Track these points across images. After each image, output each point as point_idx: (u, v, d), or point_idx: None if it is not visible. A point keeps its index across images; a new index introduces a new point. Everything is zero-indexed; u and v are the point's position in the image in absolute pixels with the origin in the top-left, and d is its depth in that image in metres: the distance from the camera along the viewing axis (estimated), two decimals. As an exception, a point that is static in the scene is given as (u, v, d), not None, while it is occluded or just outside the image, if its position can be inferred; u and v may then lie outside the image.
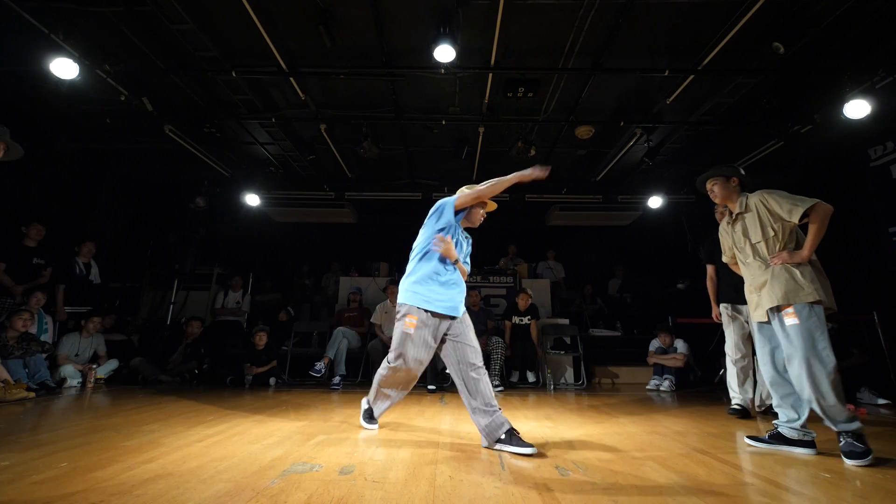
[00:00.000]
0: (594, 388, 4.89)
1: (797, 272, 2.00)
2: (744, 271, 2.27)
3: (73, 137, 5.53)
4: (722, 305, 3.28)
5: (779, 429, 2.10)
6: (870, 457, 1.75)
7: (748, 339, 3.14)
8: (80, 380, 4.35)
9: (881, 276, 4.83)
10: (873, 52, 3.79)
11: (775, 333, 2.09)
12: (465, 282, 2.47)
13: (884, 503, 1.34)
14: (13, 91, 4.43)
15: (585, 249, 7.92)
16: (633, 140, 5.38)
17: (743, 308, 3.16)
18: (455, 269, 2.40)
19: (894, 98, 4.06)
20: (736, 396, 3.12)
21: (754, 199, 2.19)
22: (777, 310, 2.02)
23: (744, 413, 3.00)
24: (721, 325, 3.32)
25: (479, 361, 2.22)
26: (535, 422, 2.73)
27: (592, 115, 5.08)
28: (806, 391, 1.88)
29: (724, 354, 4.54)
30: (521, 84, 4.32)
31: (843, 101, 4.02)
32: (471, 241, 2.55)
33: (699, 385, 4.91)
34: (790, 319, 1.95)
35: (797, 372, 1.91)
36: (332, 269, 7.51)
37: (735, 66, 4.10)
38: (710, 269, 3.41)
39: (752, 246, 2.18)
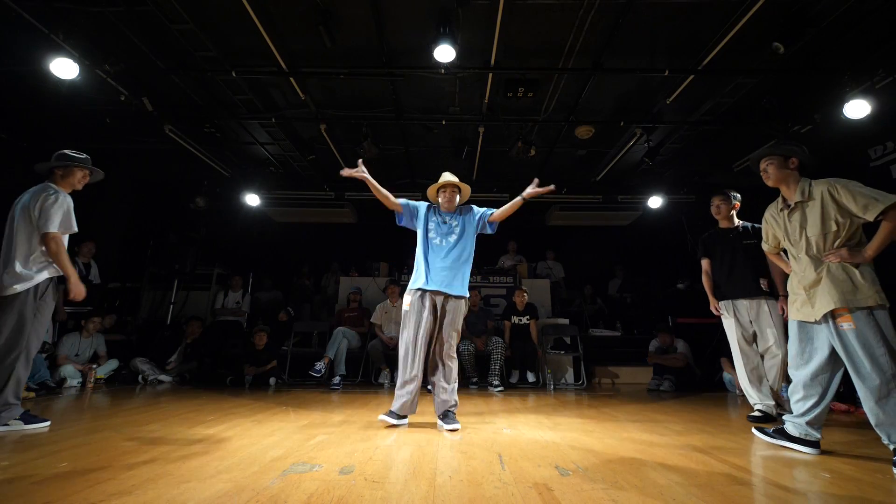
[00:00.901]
0: (594, 388, 4.89)
1: (857, 272, 1.83)
2: (793, 266, 2.09)
3: (73, 137, 5.53)
4: (722, 303, 3.15)
5: (785, 424, 2.08)
6: None
7: (752, 339, 3.00)
8: (80, 380, 4.35)
9: (880, 276, 4.83)
10: (873, 52, 3.79)
11: (818, 334, 1.96)
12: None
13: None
14: (13, 91, 4.43)
15: (585, 249, 7.91)
16: (633, 140, 5.38)
17: (742, 305, 3.02)
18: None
19: (894, 98, 4.06)
20: (756, 402, 2.94)
21: (821, 187, 1.94)
22: (831, 314, 1.86)
23: (766, 418, 2.82)
24: (721, 323, 3.27)
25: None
26: (536, 422, 2.73)
27: (592, 115, 5.08)
28: (872, 402, 1.75)
29: (723, 354, 4.54)
30: (521, 84, 4.31)
31: (843, 101, 4.02)
32: (454, 220, 2.86)
33: (699, 385, 4.92)
34: (846, 324, 1.80)
35: (869, 382, 1.76)
36: (332, 269, 7.51)
37: (735, 66, 4.10)
38: (704, 263, 3.30)
39: (808, 239, 1.97)
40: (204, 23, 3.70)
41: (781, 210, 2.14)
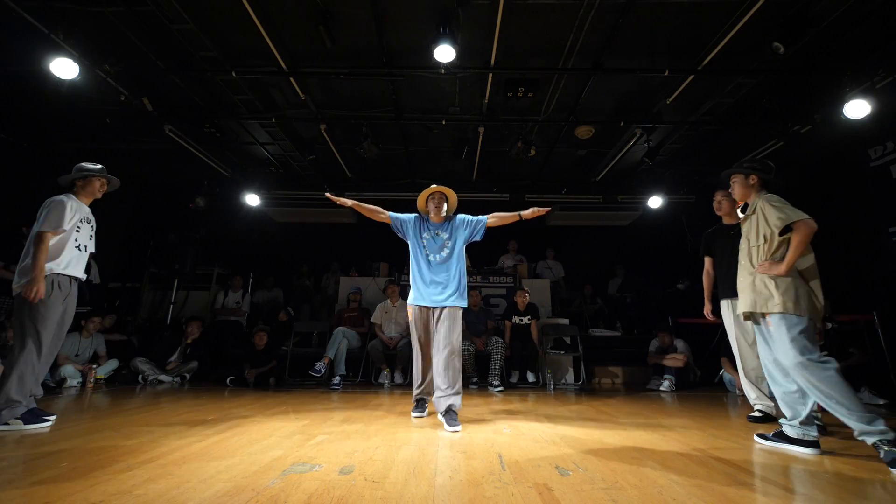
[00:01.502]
0: (594, 388, 4.89)
1: (772, 283, 2.05)
2: (738, 269, 2.31)
3: (73, 137, 5.53)
4: (722, 302, 3.09)
5: (783, 427, 2.11)
6: None
7: (753, 339, 2.90)
8: (80, 380, 4.35)
9: (881, 276, 4.83)
10: (873, 52, 3.79)
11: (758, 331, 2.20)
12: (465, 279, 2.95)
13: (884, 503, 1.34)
14: (13, 91, 4.43)
15: (585, 249, 7.92)
16: (633, 140, 5.38)
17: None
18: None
19: (894, 98, 4.06)
20: (755, 402, 2.93)
21: (758, 201, 2.19)
22: (762, 316, 2.11)
23: (766, 418, 2.80)
24: (720, 324, 3.24)
25: None
26: (536, 422, 2.73)
27: (592, 115, 5.08)
28: (813, 396, 1.93)
29: (723, 354, 4.54)
30: (521, 84, 4.32)
31: (843, 101, 4.02)
32: (441, 232, 2.98)
33: (699, 385, 4.92)
34: (769, 327, 2.06)
35: (798, 381, 1.98)
36: (332, 269, 7.51)
37: (735, 66, 4.10)
38: (706, 261, 3.26)
39: (748, 248, 2.22)
40: (204, 23, 3.70)
41: (741, 217, 2.38)
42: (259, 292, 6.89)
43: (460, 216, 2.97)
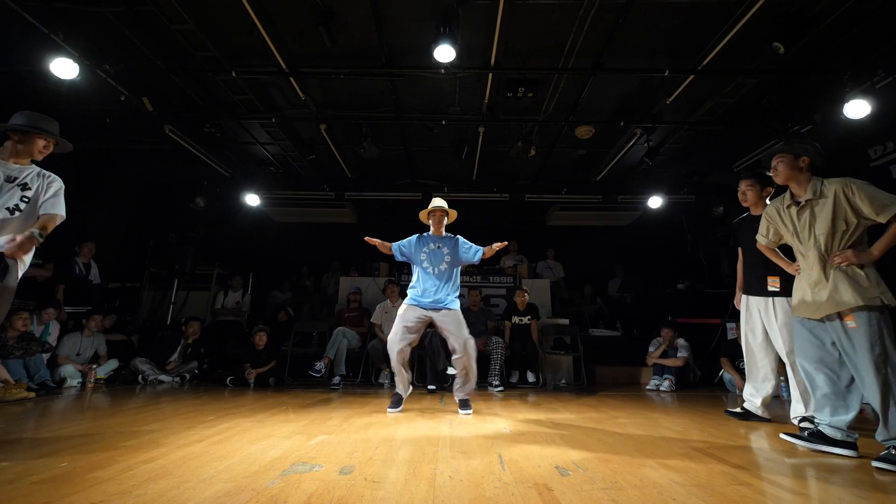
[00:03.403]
0: (594, 388, 4.89)
1: (861, 273, 1.85)
2: (801, 263, 2.10)
3: (72, 137, 5.50)
4: (743, 297, 2.97)
5: (820, 427, 1.98)
6: None
7: (763, 337, 2.84)
8: (80, 380, 4.35)
9: (880, 275, 4.83)
10: (873, 52, 3.79)
11: (823, 332, 1.98)
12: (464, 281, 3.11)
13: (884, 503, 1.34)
14: (13, 91, 4.43)
15: (585, 249, 7.92)
16: (633, 140, 5.38)
17: (752, 302, 2.87)
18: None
19: (894, 98, 4.06)
20: (746, 398, 2.92)
21: (835, 186, 1.95)
22: (838, 314, 1.88)
23: (745, 415, 2.84)
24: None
25: None
26: (536, 422, 2.72)
27: (592, 115, 5.08)
28: (877, 402, 1.76)
29: (723, 354, 4.53)
30: (521, 84, 4.32)
31: (843, 101, 4.02)
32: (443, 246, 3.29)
33: (699, 385, 4.91)
34: (851, 323, 1.83)
35: (868, 382, 1.78)
36: (332, 269, 7.51)
37: (735, 66, 4.10)
38: (740, 251, 3.11)
39: (815, 237, 1.98)
40: (204, 23, 3.70)
41: (789, 207, 2.14)
42: (275, 293, 6.88)
43: (462, 238, 3.28)
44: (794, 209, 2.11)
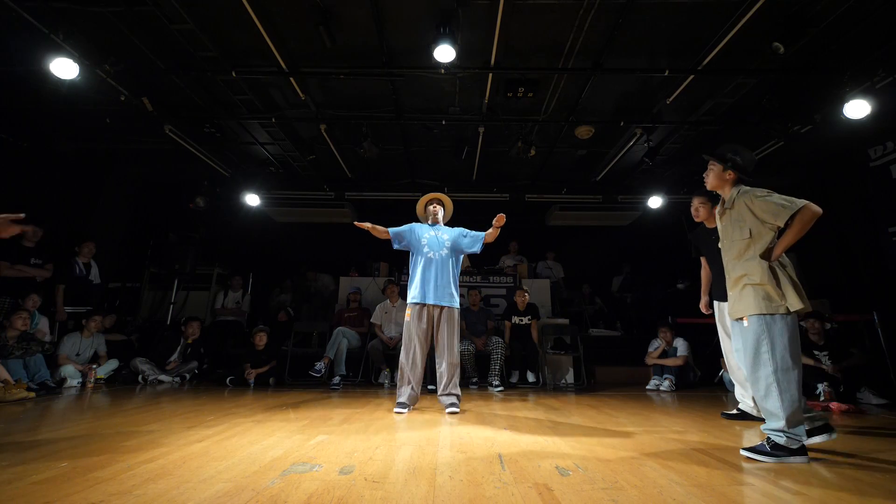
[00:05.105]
0: (594, 388, 4.89)
1: (773, 280, 1.94)
2: (725, 265, 2.20)
3: (73, 137, 5.53)
4: (715, 303, 3.15)
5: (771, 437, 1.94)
6: (775, 459, 1.76)
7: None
8: (80, 380, 4.35)
9: (881, 276, 4.83)
10: (873, 52, 3.79)
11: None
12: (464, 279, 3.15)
13: (884, 503, 1.34)
14: (13, 91, 4.43)
15: (585, 249, 7.92)
16: (633, 140, 5.38)
17: (722, 307, 3.00)
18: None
19: (894, 98, 4.06)
20: (738, 399, 2.97)
21: (743, 198, 2.07)
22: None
23: (742, 416, 2.87)
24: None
25: None
26: (536, 422, 2.72)
27: (592, 115, 5.08)
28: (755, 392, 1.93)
29: (723, 355, 4.53)
30: (521, 84, 4.32)
31: (843, 101, 4.02)
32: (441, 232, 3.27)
33: (699, 385, 4.91)
34: (745, 323, 1.99)
35: (752, 379, 1.94)
36: (331, 269, 7.51)
37: (735, 66, 4.10)
38: (702, 260, 3.35)
39: (733, 242, 2.12)
40: (204, 23, 3.70)
41: (719, 211, 2.26)
42: (280, 295, 6.87)
43: (460, 227, 3.27)
44: (719, 214, 2.25)
